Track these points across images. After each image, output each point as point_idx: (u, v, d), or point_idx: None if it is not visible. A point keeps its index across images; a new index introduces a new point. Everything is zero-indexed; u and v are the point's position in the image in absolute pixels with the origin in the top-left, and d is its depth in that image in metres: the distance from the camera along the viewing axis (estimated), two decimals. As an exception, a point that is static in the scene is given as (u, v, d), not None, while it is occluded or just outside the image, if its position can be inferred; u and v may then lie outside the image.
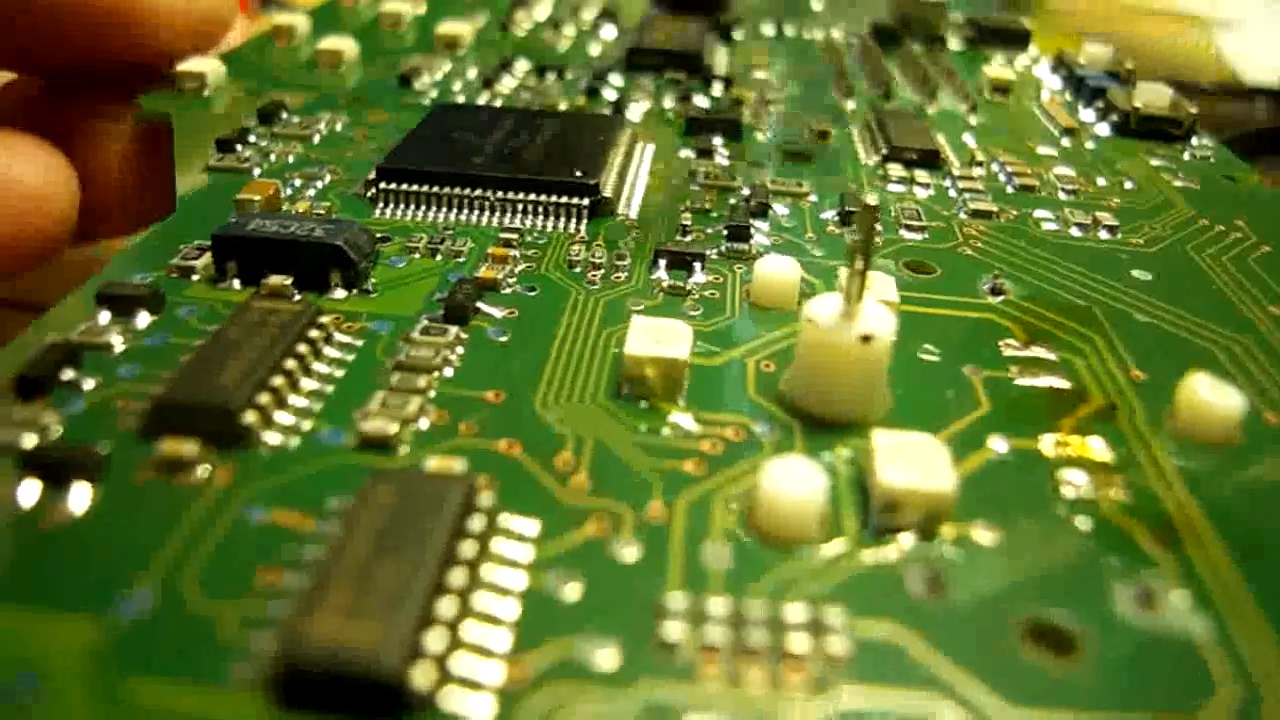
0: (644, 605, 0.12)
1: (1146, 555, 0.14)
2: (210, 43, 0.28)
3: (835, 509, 0.14)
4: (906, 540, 0.14)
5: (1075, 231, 0.23)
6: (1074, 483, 0.15)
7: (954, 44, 0.38)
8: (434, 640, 0.11)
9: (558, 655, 0.12)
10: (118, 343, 0.17)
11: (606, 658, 0.12)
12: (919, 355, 0.18)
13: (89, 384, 0.16)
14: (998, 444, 0.16)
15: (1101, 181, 0.26)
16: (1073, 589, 0.13)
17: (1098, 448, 0.16)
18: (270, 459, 0.14)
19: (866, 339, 0.15)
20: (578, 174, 0.22)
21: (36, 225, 0.22)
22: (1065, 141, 0.29)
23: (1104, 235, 0.23)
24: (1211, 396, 0.16)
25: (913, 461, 0.14)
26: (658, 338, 0.17)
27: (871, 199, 0.15)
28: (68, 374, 0.16)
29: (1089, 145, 0.29)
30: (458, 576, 0.12)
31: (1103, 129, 0.30)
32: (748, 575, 0.13)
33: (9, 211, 0.21)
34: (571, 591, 0.13)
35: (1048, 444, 0.16)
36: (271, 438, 0.15)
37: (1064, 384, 0.17)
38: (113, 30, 0.24)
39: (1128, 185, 0.26)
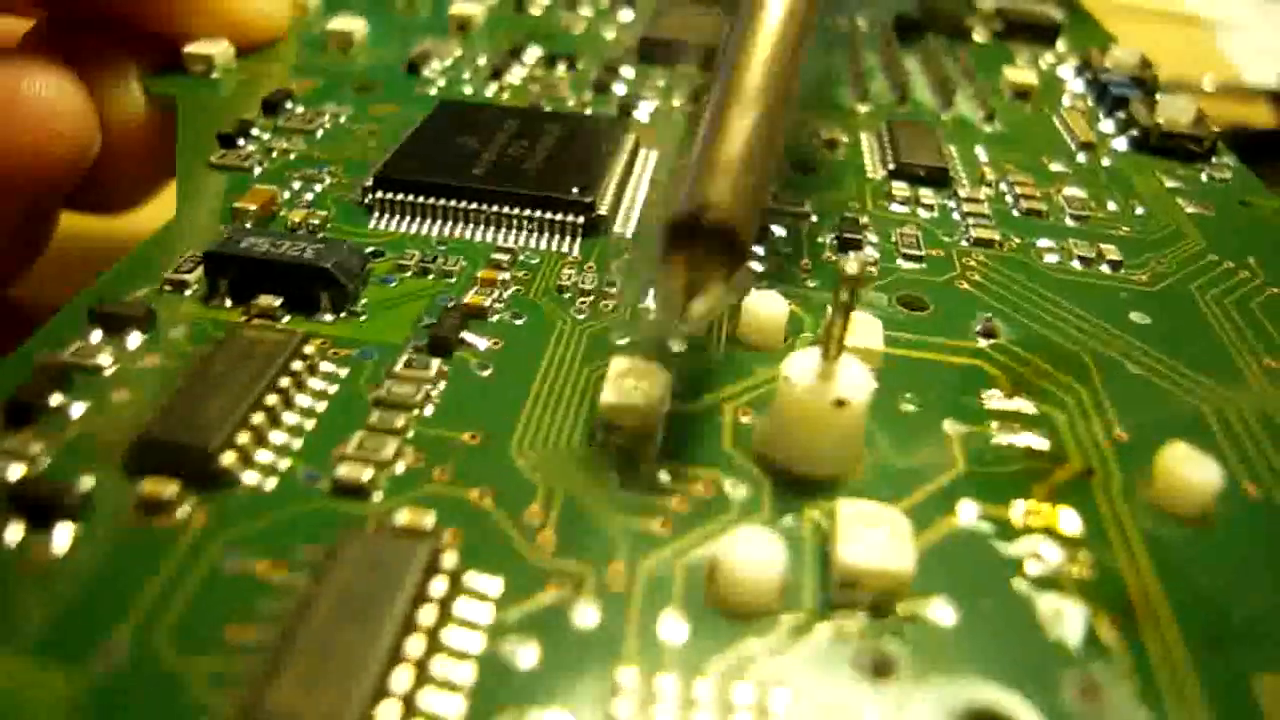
0: (597, 677, 0.13)
1: (1100, 642, 0.14)
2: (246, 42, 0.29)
3: (799, 575, 0.14)
4: (862, 617, 0.14)
5: (1077, 264, 0.23)
6: (1039, 556, 0.15)
7: (979, 36, 0.37)
8: (387, 713, 0.12)
9: (509, 728, 0.12)
10: (108, 364, 0.17)
11: (556, 733, 0.12)
12: (899, 406, 0.18)
13: (77, 410, 0.16)
14: (968, 509, 0.16)
15: (1112, 206, 0.26)
16: (1023, 675, 0.13)
17: (1067, 520, 0.16)
18: (247, 501, 0.15)
19: (840, 404, 0.15)
20: (574, 190, 0.22)
21: (56, 137, 0.22)
22: (1081, 158, 0.28)
23: (1105, 269, 0.23)
24: (1188, 471, 0.16)
25: (874, 537, 0.14)
26: (635, 381, 0.17)
27: (852, 266, 0.15)
28: (56, 399, 0.16)
29: (1105, 162, 0.28)
30: (415, 645, 0.12)
31: (1120, 143, 0.29)
32: (701, 649, 0.13)
33: (27, 126, 0.22)
34: (528, 657, 0.13)
35: (1018, 512, 0.16)
36: (250, 477, 0.15)
37: (1043, 443, 0.17)
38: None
39: (1138, 211, 0.25)
